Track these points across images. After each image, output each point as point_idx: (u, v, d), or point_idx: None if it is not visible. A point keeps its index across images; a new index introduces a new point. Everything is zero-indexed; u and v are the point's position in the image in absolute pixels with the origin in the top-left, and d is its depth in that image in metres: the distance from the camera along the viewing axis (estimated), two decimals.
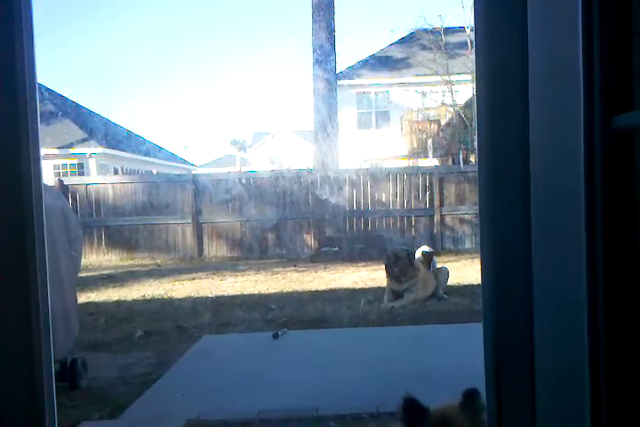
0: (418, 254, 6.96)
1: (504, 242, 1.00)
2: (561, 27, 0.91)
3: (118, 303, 7.09)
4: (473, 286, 7.15)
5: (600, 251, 0.87)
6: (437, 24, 19.09)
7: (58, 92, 21.09)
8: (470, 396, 1.87)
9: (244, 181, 12.23)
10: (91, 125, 20.29)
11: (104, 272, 9.99)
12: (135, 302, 7.19)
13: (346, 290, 7.42)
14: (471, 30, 18.23)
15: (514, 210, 0.98)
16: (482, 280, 1.06)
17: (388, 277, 6.61)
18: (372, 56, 21.33)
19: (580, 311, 0.88)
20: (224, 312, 6.28)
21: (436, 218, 11.71)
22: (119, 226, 11.94)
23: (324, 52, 14.27)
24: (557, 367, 0.94)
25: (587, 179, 0.87)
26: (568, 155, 0.90)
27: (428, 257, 7.06)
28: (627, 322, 0.89)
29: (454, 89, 18.55)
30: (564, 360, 0.93)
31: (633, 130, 0.89)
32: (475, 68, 1.01)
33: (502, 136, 0.98)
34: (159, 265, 11.03)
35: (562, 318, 0.93)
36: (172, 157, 25.67)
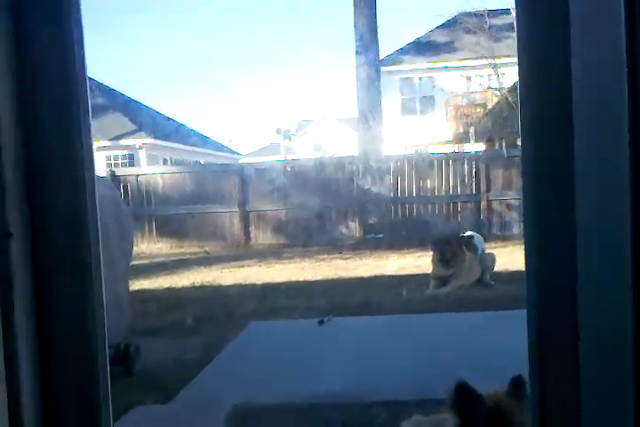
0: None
1: (548, 229, 0.99)
2: (604, 15, 0.89)
3: (169, 290, 7.25)
4: (520, 272, 6.98)
5: None
6: (481, 7, 18.66)
7: (109, 85, 21.57)
8: (518, 383, 1.85)
9: (288, 169, 12.30)
10: (140, 119, 20.71)
11: (155, 260, 10.22)
12: (185, 289, 7.35)
13: (391, 277, 7.41)
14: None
15: (558, 196, 0.97)
16: (526, 267, 1.06)
17: (433, 263, 6.57)
18: (415, 41, 21.03)
19: (624, 301, 0.88)
20: (271, 299, 6.36)
21: (483, 203, 11.53)
22: (168, 215, 12.20)
23: (366, 40, 14.17)
24: (601, 356, 0.93)
25: (632, 166, 0.86)
26: (613, 145, 0.89)
27: (466, 240, 6.95)
28: None
29: (500, 72, 18.13)
30: (608, 349, 0.92)
31: None
32: (517, 54, 1.00)
33: (546, 123, 0.97)
34: (208, 253, 11.22)
35: (606, 307, 0.92)
36: (219, 146, 25.97)
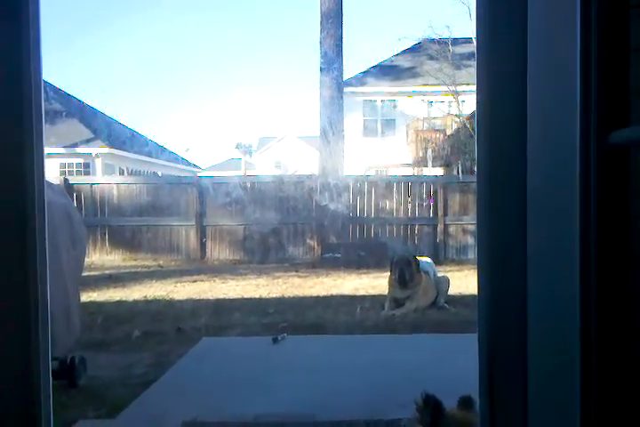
0: None
1: (500, 253, 1.01)
2: (559, 43, 0.92)
3: (120, 303, 7.09)
4: (474, 296, 7.06)
5: (593, 265, 0.88)
6: (445, 34, 19.14)
7: (65, 91, 21.16)
8: (466, 402, 1.88)
9: (248, 185, 12.25)
10: (96, 126, 20.35)
11: (106, 272, 9.99)
12: (136, 302, 7.19)
13: (347, 297, 7.41)
14: None
15: (511, 222, 0.99)
16: (478, 290, 1.07)
17: (390, 285, 6.60)
18: (379, 65, 21.38)
19: (572, 323, 0.89)
20: (224, 315, 6.28)
21: (440, 227, 11.70)
22: (123, 226, 11.97)
23: (331, 59, 14.33)
24: (550, 378, 0.94)
25: (582, 193, 0.88)
26: (564, 169, 0.91)
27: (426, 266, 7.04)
28: (618, 334, 0.90)
29: (460, 99, 18.57)
30: (556, 371, 0.94)
31: (630, 145, 0.90)
32: (475, 82, 1.02)
33: (500, 150, 1.00)
34: (161, 266, 11.03)
35: (555, 328, 0.94)
36: (178, 159, 25.72)
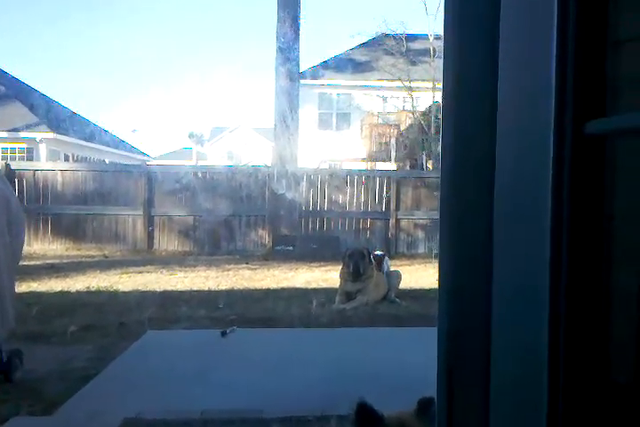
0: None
1: (464, 250, 0.94)
2: (534, 30, 0.86)
3: (61, 294, 6.83)
4: (424, 290, 7.16)
5: (565, 262, 0.83)
6: (401, 30, 19.24)
7: (10, 73, 20.35)
8: (426, 404, 1.80)
9: (199, 175, 12.02)
10: (41, 110, 19.63)
11: (48, 262, 9.64)
12: (79, 293, 6.94)
13: (298, 290, 7.33)
14: (434, 38, 18.47)
15: (475, 217, 0.93)
16: (439, 286, 1.00)
17: (341, 278, 6.55)
18: (336, 57, 21.36)
19: (539, 318, 0.84)
20: (171, 308, 6.11)
21: (392, 221, 11.75)
22: (66, 214, 11.56)
23: (288, 48, 14.21)
24: (514, 375, 0.89)
25: (554, 185, 0.83)
26: (536, 161, 0.86)
27: (378, 259, 7.03)
28: (587, 331, 0.85)
29: (415, 95, 18.71)
30: (521, 368, 0.88)
31: (606, 136, 0.86)
32: (442, 72, 0.96)
33: (467, 142, 0.93)
34: (106, 256, 10.72)
35: (520, 324, 0.88)
36: (127, 147, 25.10)
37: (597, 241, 0.84)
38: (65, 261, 9.98)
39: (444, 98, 0.95)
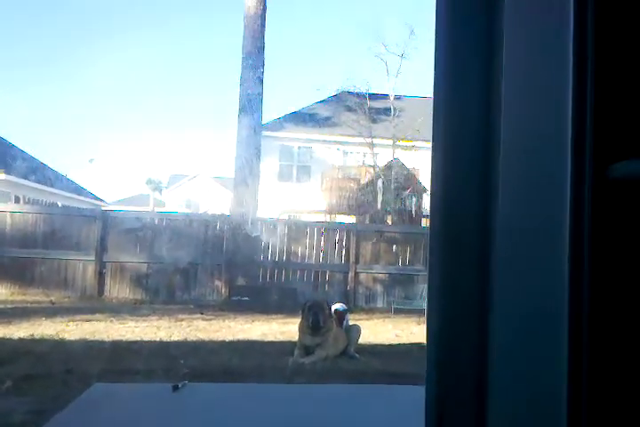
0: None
1: (456, 303, 0.87)
2: (547, 64, 0.81)
3: (2, 342, 6.43)
4: (384, 345, 7.03)
5: (585, 326, 0.76)
6: (363, 88, 19.78)
7: None
8: None
9: (156, 221, 11.79)
10: None
11: None
12: (22, 341, 6.54)
13: (254, 342, 7.10)
14: (394, 98, 19.07)
15: (469, 273, 0.86)
16: (427, 339, 0.92)
17: (300, 331, 6.37)
18: (298, 111, 21.73)
19: (557, 397, 0.76)
20: (120, 359, 5.80)
21: (351, 275, 11.68)
22: (13, 257, 11.10)
23: (251, 99, 14.40)
24: None
25: (572, 237, 0.77)
26: (549, 212, 0.78)
27: (340, 314, 6.90)
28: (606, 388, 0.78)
29: (375, 151, 19.08)
30: None
31: (634, 179, 0.79)
32: (432, 111, 0.90)
33: (459, 185, 0.87)
34: (53, 303, 10.25)
35: (525, 399, 0.80)
36: (82, 191, 24.60)
37: (624, 306, 0.77)
38: (9, 306, 9.50)
39: (434, 150, 0.89)
